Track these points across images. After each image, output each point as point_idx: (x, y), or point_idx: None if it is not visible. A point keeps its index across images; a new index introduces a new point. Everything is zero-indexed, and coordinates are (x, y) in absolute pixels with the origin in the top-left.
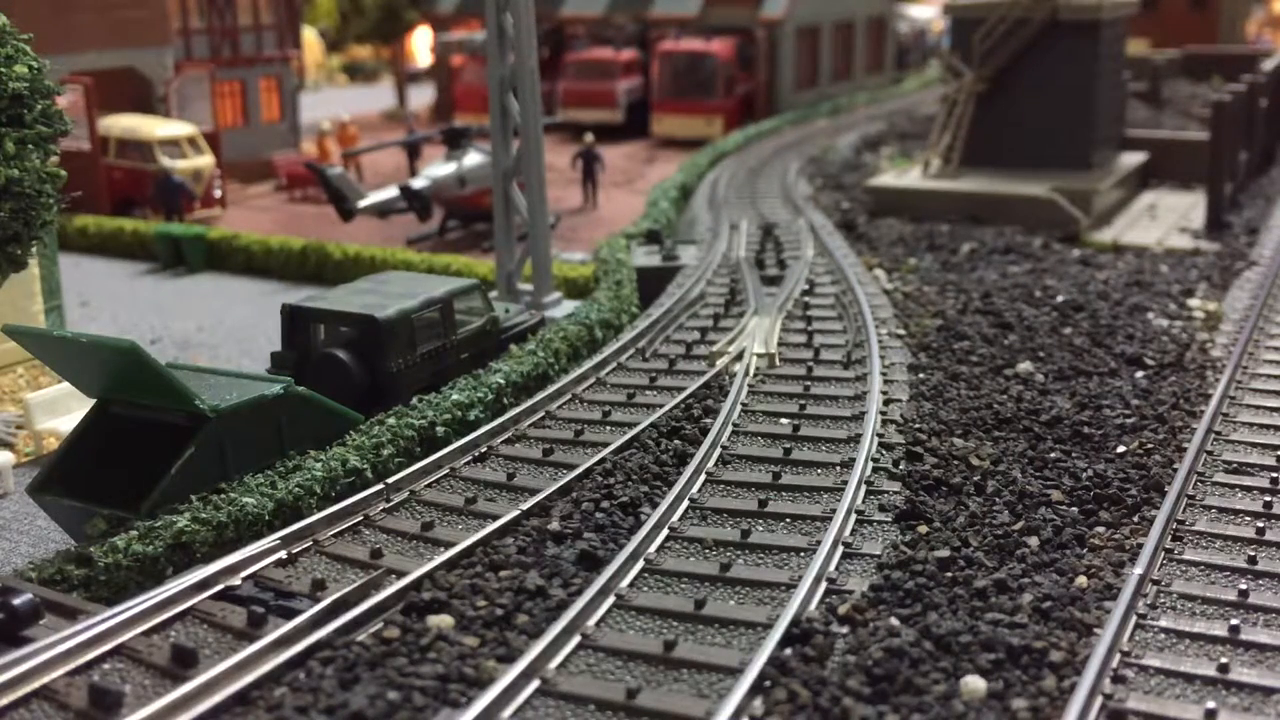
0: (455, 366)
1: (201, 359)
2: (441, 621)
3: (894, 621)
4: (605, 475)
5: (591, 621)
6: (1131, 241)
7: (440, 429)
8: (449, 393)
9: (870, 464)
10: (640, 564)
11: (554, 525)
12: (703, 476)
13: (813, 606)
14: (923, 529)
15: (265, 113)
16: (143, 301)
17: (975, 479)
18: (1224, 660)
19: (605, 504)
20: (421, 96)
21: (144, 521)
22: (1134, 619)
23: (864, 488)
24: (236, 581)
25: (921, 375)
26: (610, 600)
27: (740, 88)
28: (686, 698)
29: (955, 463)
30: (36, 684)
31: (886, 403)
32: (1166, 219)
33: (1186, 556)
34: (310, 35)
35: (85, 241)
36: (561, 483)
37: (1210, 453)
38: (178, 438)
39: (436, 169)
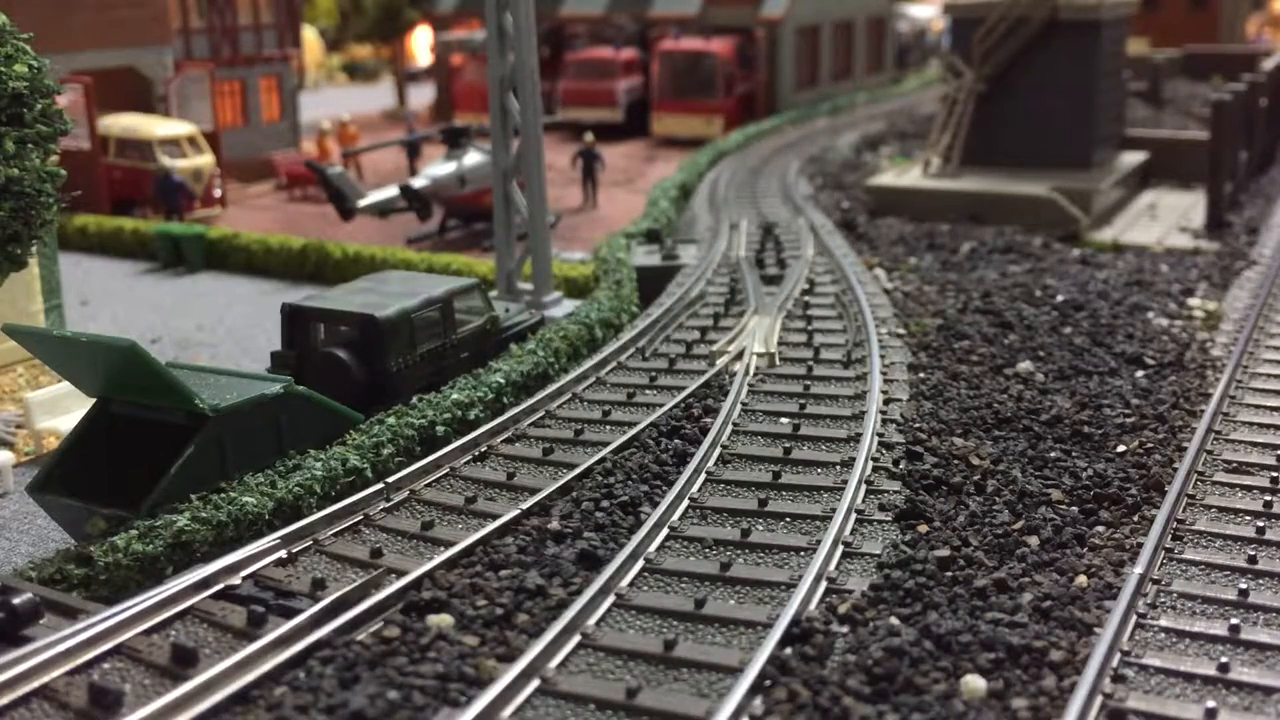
0: (455, 366)
1: (201, 358)
2: (441, 621)
3: (894, 621)
4: (605, 474)
5: (591, 621)
6: (1131, 241)
7: (440, 428)
8: (449, 392)
9: (870, 463)
10: (640, 563)
11: (554, 524)
12: (703, 476)
13: (813, 606)
14: (923, 528)
15: (265, 112)
16: (142, 301)
17: (975, 478)
18: (1224, 660)
19: (605, 503)
20: (421, 96)
21: (144, 521)
22: (1134, 618)
23: (864, 487)
24: (236, 581)
25: (921, 375)
26: (610, 600)
27: (740, 87)
28: (686, 697)
29: (955, 462)
30: (36, 683)
31: (886, 402)
32: (1166, 218)
33: (1186, 556)
34: (310, 34)
35: (85, 241)
36: (561, 482)
37: (1210, 452)
38: (178, 437)
39: (436, 168)
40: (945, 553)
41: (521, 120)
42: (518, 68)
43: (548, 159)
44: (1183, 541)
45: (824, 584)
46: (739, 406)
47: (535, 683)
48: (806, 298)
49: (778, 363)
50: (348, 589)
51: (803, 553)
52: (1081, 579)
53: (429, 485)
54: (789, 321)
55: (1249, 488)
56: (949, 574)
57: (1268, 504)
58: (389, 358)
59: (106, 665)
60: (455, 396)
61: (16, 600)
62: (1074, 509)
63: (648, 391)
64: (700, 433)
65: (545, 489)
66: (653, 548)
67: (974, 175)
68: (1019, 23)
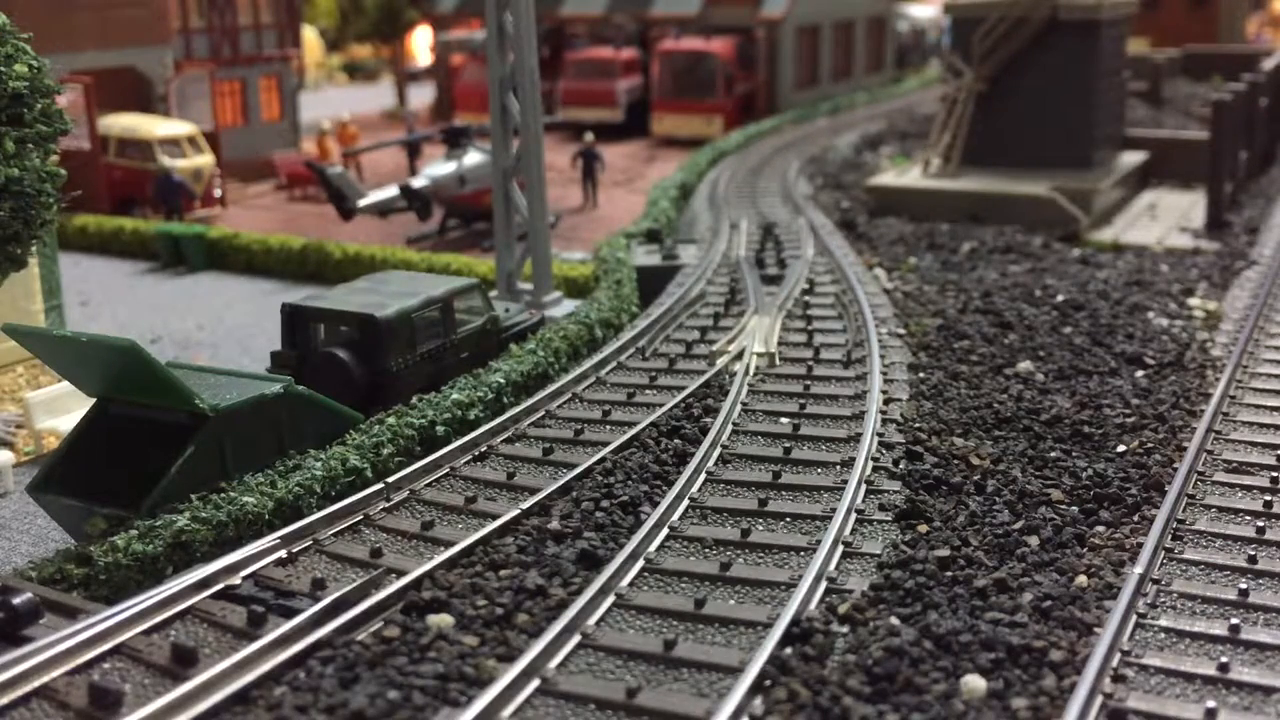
0: (455, 366)
1: (201, 358)
2: (441, 621)
3: (894, 621)
4: (605, 474)
5: (591, 621)
6: (1131, 241)
7: (440, 428)
8: (449, 392)
9: (870, 463)
10: (640, 563)
11: (554, 524)
12: (703, 476)
13: (813, 606)
14: (923, 528)
15: (265, 112)
16: (143, 301)
17: (975, 478)
18: (1224, 659)
19: (605, 503)
20: (421, 96)
21: (144, 520)
22: (1134, 618)
23: (864, 487)
24: (236, 581)
25: (921, 374)
26: (610, 599)
27: (740, 87)
28: (686, 697)
29: (955, 462)
30: (36, 683)
31: (886, 402)
32: (1166, 218)
33: (1186, 556)
34: (310, 34)
35: (85, 241)
36: (561, 482)
37: (1210, 452)
38: (178, 437)
39: (436, 168)
40: (945, 553)
41: (521, 120)
42: (518, 68)
43: (548, 159)
44: (1183, 541)
45: (824, 584)
46: (739, 406)
47: (535, 683)
48: (806, 298)
49: (778, 363)
50: (348, 589)
51: (803, 552)
52: (1081, 579)
53: (429, 485)
54: (789, 321)
55: (1249, 488)
56: (949, 574)
57: (1268, 504)
58: (389, 358)
59: (106, 665)
60: (455, 396)
61: (16, 600)
62: (1074, 509)
63: (648, 391)
64: (700, 432)
65: (545, 489)
66: (653, 548)
67: (974, 175)
68: (1019, 23)
